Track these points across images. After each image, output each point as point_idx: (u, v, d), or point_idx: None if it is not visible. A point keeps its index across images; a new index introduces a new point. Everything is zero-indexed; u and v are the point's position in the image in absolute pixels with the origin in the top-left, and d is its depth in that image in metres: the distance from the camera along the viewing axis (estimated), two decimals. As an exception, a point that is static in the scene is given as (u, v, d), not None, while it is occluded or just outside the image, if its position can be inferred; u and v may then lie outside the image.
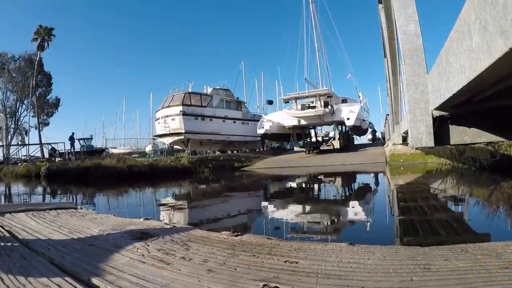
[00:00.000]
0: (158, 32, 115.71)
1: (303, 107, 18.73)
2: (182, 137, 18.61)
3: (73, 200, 6.86)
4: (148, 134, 38.21)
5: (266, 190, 7.88)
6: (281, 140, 22.66)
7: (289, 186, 8.33)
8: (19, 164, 16.58)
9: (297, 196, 6.36)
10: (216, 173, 12.98)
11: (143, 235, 1.90)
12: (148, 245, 1.68)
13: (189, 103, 19.04)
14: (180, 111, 18.44)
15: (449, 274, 1.09)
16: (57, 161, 16.43)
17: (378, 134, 26.08)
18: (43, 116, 32.09)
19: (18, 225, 2.38)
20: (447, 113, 2.97)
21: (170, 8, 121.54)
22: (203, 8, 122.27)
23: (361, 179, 9.25)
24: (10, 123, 28.82)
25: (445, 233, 2.61)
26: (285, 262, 1.33)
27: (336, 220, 3.75)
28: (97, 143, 30.74)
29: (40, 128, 30.24)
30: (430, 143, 3.05)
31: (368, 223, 3.35)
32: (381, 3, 7.47)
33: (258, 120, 20.67)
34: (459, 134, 2.99)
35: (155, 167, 12.63)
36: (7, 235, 2.06)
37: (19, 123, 31.31)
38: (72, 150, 17.97)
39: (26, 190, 10.09)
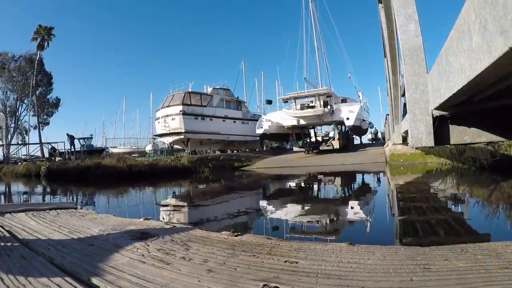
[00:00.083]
0: (158, 32, 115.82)
1: (302, 107, 18.62)
2: (182, 136, 18.61)
3: (73, 200, 6.87)
4: (148, 134, 38.27)
5: (266, 190, 7.88)
6: (280, 140, 22.58)
7: (289, 185, 8.33)
8: (19, 163, 16.58)
9: (297, 195, 6.36)
10: (216, 172, 12.98)
11: (143, 235, 1.90)
12: (148, 245, 1.68)
13: (189, 103, 19.04)
14: (180, 111, 18.44)
15: (449, 274, 1.09)
16: (57, 160, 16.44)
17: (379, 134, 26.09)
18: (43, 115, 32.09)
19: (18, 225, 2.38)
20: (447, 113, 2.97)
21: (170, 8, 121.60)
22: (203, 8, 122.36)
23: (361, 179, 9.25)
24: (10, 123, 28.79)
25: (445, 233, 2.61)
26: (285, 262, 1.33)
27: (336, 220, 3.75)
28: (97, 143, 30.78)
29: (40, 128, 30.26)
30: (430, 143, 3.05)
31: (368, 223, 3.35)
32: (381, 3, 7.46)
33: (258, 120, 20.64)
34: (459, 134, 2.99)
35: (155, 167, 12.63)
36: (7, 235, 2.06)
37: (19, 123, 31.31)
38: (72, 150, 18.01)
39: (26, 189, 10.09)
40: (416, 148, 9.23)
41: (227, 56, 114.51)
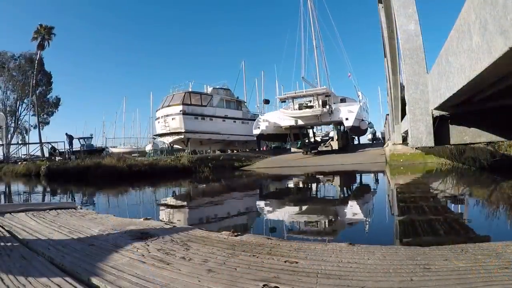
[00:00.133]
0: (158, 32, 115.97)
1: (301, 107, 18.32)
2: (182, 136, 18.62)
3: (73, 199, 6.86)
4: (148, 134, 38.35)
5: (266, 189, 7.88)
6: (278, 140, 22.38)
7: (289, 185, 8.33)
8: (19, 163, 16.59)
9: (297, 195, 6.36)
10: (216, 172, 12.98)
11: (143, 235, 1.90)
12: (148, 245, 1.68)
13: (189, 103, 19.05)
14: (180, 111, 18.45)
15: (449, 274, 1.09)
16: (57, 160, 16.44)
17: (378, 134, 26.03)
18: (43, 115, 32.12)
19: (18, 225, 2.38)
20: (447, 113, 2.97)
21: (170, 8, 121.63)
22: (203, 8, 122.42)
23: (360, 179, 9.25)
24: (10, 122, 28.80)
25: (445, 233, 2.61)
26: (285, 262, 1.33)
27: (336, 220, 3.75)
28: (97, 143, 30.81)
29: (40, 127, 30.27)
30: (430, 143, 3.05)
31: (368, 223, 3.35)
32: (381, 3, 7.46)
33: (258, 120, 20.55)
34: (459, 134, 2.99)
35: (155, 167, 12.64)
36: (7, 235, 2.06)
37: (19, 122, 31.34)
38: (71, 149, 18.06)
39: (26, 189, 10.09)
40: (416, 148, 9.23)
41: (227, 56, 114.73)
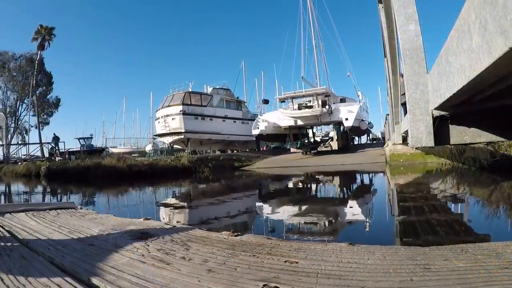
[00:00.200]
0: (158, 32, 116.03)
1: (300, 107, 18.24)
2: (182, 136, 18.62)
3: (72, 199, 6.86)
4: (148, 134, 38.34)
5: (266, 189, 7.87)
6: (277, 140, 22.31)
7: (289, 185, 8.33)
8: (19, 163, 16.59)
9: (297, 195, 6.36)
10: (216, 172, 12.98)
11: (143, 235, 1.90)
12: (148, 245, 1.68)
13: (189, 103, 19.04)
14: (180, 111, 18.44)
15: (449, 274, 1.09)
16: (57, 160, 16.44)
17: (378, 134, 25.99)
18: (43, 115, 32.11)
19: (18, 225, 2.38)
20: (447, 113, 2.97)
21: (170, 8, 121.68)
22: (203, 8, 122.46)
23: (360, 179, 9.25)
24: (10, 122, 28.80)
25: (445, 233, 2.61)
26: (285, 262, 1.33)
27: (336, 220, 3.75)
28: (97, 143, 30.83)
29: (40, 128, 30.26)
30: (430, 143, 3.05)
31: (368, 223, 3.35)
32: (381, 3, 7.46)
33: (258, 120, 20.50)
34: (459, 134, 2.99)
35: (155, 167, 12.63)
36: (7, 235, 2.06)
37: (19, 122, 31.32)
38: (56, 151, 18.19)
39: (26, 189, 10.09)
40: (416, 148, 9.22)
41: (227, 56, 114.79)
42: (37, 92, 30.09)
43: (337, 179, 9.17)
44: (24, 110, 31.55)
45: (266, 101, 24.45)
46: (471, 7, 1.48)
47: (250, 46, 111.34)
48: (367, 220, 3.55)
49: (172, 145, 20.23)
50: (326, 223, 3.49)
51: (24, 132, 31.94)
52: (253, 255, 1.45)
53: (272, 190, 7.69)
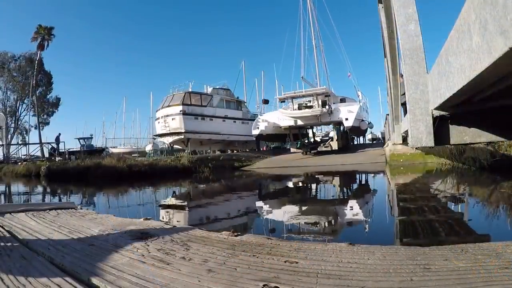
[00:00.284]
0: (158, 32, 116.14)
1: (300, 107, 18.24)
2: (182, 136, 18.62)
3: (72, 199, 6.86)
4: (148, 134, 38.39)
5: (266, 190, 7.87)
6: (277, 140, 22.33)
7: (289, 185, 8.32)
8: (19, 163, 16.58)
9: (297, 196, 6.36)
10: (216, 172, 12.98)
11: (143, 235, 1.90)
12: (148, 245, 1.68)
13: (189, 103, 19.05)
14: (180, 111, 18.45)
15: (449, 274, 1.09)
16: (57, 160, 16.44)
17: (378, 134, 25.98)
18: (43, 115, 32.11)
19: (18, 225, 2.38)
20: (447, 113, 2.97)
21: (170, 8, 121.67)
22: (203, 8, 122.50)
23: (360, 179, 9.25)
24: (10, 122, 28.81)
25: (445, 233, 2.60)
26: (285, 262, 1.33)
27: (336, 220, 3.75)
28: (97, 143, 30.87)
29: (40, 128, 30.27)
30: (430, 143, 3.05)
31: (368, 223, 3.35)
32: (381, 3, 7.46)
33: (257, 120, 20.48)
34: (459, 134, 2.99)
35: (155, 167, 12.63)
36: (7, 235, 2.06)
37: (19, 123, 31.34)
38: (56, 151, 18.23)
39: (26, 189, 10.09)
40: (416, 148, 9.23)
41: (227, 56, 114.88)
42: (37, 92, 30.10)
43: (337, 179, 9.17)
44: (24, 110, 31.60)
45: (266, 101, 24.49)
46: (471, 7, 1.48)
47: (250, 46, 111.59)
48: (367, 220, 3.55)
49: (172, 145, 20.23)
50: (326, 223, 3.49)
51: (24, 132, 31.98)
52: (253, 255, 1.45)
53: (272, 190, 7.69)
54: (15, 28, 66.49)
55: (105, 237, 1.92)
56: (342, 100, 19.68)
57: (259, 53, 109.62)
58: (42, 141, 24.65)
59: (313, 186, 7.94)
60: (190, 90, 20.03)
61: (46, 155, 20.43)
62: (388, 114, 12.74)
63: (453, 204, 4.11)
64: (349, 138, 20.34)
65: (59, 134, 19.62)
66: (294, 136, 20.25)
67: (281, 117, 18.82)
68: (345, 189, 7.07)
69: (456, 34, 1.82)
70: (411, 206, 3.88)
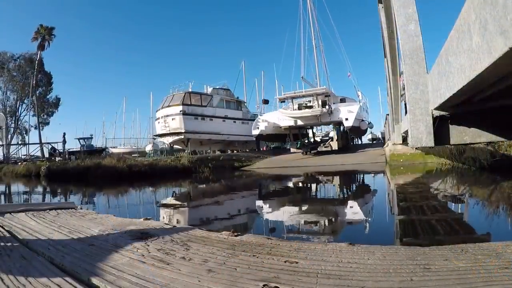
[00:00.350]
0: (158, 32, 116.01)
1: (300, 107, 18.24)
2: (182, 136, 18.63)
3: (72, 199, 6.86)
4: (148, 134, 38.33)
5: (266, 190, 7.87)
6: (277, 140, 22.32)
7: (289, 186, 8.33)
8: (19, 163, 16.60)
9: (297, 195, 6.36)
10: (216, 172, 12.98)
11: (143, 235, 1.90)
12: (148, 245, 1.68)
13: (189, 103, 19.06)
14: (180, 111, 18.45)
15: (449, 274, 1.09)
16: (57, 160, 16.44)
17: (378, 134, 25.97)
18: (43, 115, 32.11)
19: (18, 225, 2.38)
20: (447, 113, 2.97)
21: (170, 8, 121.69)
22: (203, 8, 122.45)
23: (360, 179, 9.25)
24: (10, 123, 28.82)
25: (445, 233, 2.60)
26: (285, 262, 1.33)
27: (336, 220, 3.75)
28: (97, 143, 30.85)
29: (40, 128, 30.25)
30: (430, 143, 3.05)
31: (368, 223, 3.35)
32: (381, 3, 7.46)
33: (257, 120, 20.46)
34: (459, 134, 2.99)
35: (155, 167, 12.64)
36: (7, 235, 2.06)
37: (19, 123, 31.35)
38: (63, 150, 18.26)
39: (26, 189, 10.09)
40: (416, 148, 9.23)
41: (227, 56, 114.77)
42: (37, 92, 30.10)
43: (337, 179, 9.17)
44: (24, 110, 31.62)
45: (266, 101, 24.50)
46: (471, 7, 1.48)
47: (250, 46, 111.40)
48: (367, 220, 3.55)
49: (172, 145, 20.24)
50: (326, 223, 3.49)
51: (24, 132, 31.97)
52: (253, 255, 1.45)
53: (272, 190, 7.69)
54: (15, 28, 66.37)
55: (105, 237, 1.92)
56: (342, 100, 19.69)
57: (259, 53, 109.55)
58: (42, 141, 24.65)
59: (313, 186, 7.94)
60: (190, 90, 20.04)
61: (46, 155, 20.43)
62: (388, 114, 12.74)
63: (453, 204, 4.11)
64: (349, 138, 20.32)
65: (64, 133, 19.68)
66: (294, 136, 20.23)
67: (281, 117, 18.82)
68: (345, 189, 7.07)
69: (456, 34, 1.82)
70: (411, 206, 3.88)
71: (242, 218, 4.19)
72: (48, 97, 32.86)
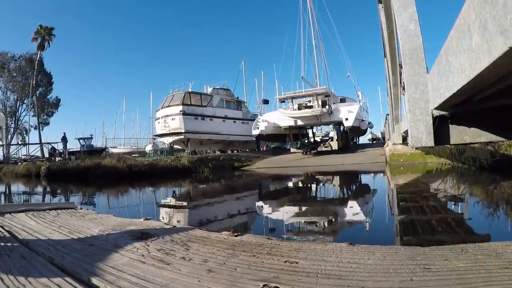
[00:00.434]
0: (158, 32, 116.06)
1: (300, 107, 18.20)
2: (182, 136, 18.62)
3: (72, 199, 6.86)
4: (148, 134, 38.34)
5: (266, 189, 7.87)
6: (277, 140, 22.29)
7: (289, 186, 8.32)
8: (19, 163, 16.59)
9: (297, 195, 6.36)
10: (216, 172, 12.98)
11: (143, 235, 1.90)
12: (148, 245, 1.68)
13: (189, 103, 19.05)
14: (180, 111, 18.45)
15: (449, 274, 1.09)
16: (57, 160, 16.44)
17: (378, 134, 25.95)
18: (43, 115, 32.09)
19: (18, 225, 2.38)
20: (447, 113, 2.97)
21: (170, 8, 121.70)
22: (203, 8, 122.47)
23: (360, 178, 9.25)
24: (10, 123, 28.80)
25: (445, 233, 2.60)
26: (285, 262, 1.33)
27: (336, 220, 3.75)
28: (97, 143, 30.84)
29: (40, 128, 30.23)
30: (430, 142, 3.05)
31: (368, 223, 3.35)
32: (381, 3, 7.46)
33: (257, 120, 20.46)
34: (459, 134, 2.99)
35: (155, 167, 12.64)
36: (7, 235, 2.06)
37: (19, 123, 31.31)
38: (65, 150, 18.23)
39: (26, 189, 10.09)
40: (416, 148, 9.23)
41: (227, 56, 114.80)
42: (37, 92, 30.07)
43: (337, 179, 9.17)
44: (24, 110, 31.57)
45: (266, 101, 24.49)
46: (471, 7, 1.48)
47: (250, 46, 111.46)
48: (367, 220, 3.55)
49: (172, 145, 20.23)
50: (326, 223, 3.49)
51: (24, 133, 31.95)
52: (253, 255, 1.45)
53: (272, 190, 7.68)
54: (15, 28, 66.40)
55: (105, 237, 1.92)
56: (342, 100, 19.67)
57: (259, 53, 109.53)
58: (42, 141, 24.64)
59: (313, 186, 7.94)
60: (190, 90, 20.03)
61: (46, 155, 20.42)
62: (388, 114, 12.74)
63: (453, 204, 4.11)
64: (349, 138, 20.30)
65: (64, 133, 19.65)
66: (294, 136, 20.20)
67: (281, 117, 18.81)
68: (345, 189, 7.07)
69: (456, 34, 1.82)
70: (411, 206, 3.88)
71: (242, 218, 4.19)
72: (48, 97, 32.85)
